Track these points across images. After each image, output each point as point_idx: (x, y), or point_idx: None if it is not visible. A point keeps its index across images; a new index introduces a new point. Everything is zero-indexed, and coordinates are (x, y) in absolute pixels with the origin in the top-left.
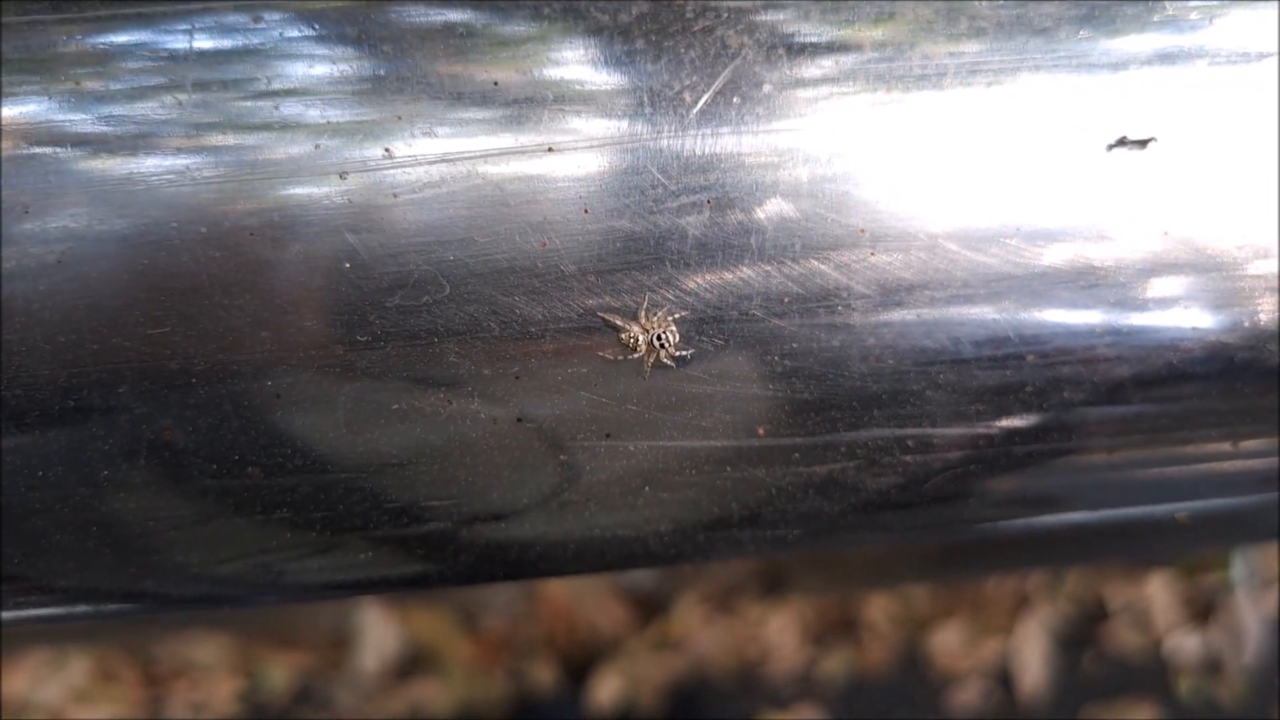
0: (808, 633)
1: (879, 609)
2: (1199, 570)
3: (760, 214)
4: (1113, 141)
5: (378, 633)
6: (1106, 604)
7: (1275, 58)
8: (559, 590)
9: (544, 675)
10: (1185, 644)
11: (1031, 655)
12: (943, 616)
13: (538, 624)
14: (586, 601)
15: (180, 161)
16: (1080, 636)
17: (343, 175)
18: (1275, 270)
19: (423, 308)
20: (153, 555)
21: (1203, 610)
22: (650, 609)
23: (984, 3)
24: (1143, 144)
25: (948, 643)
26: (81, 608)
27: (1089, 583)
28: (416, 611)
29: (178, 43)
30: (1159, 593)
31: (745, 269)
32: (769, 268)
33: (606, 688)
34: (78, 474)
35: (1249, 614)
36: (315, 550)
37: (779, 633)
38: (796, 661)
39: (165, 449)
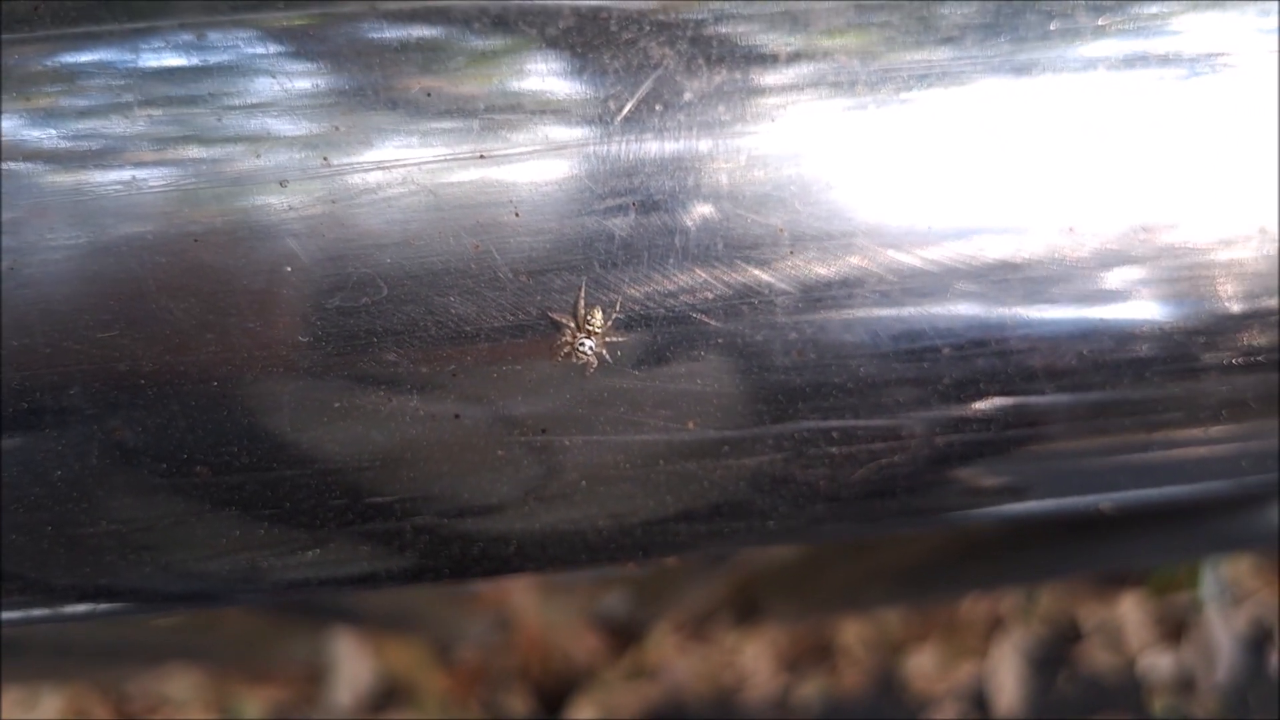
0: (782, 659)
1: (853, 634)
2: (1170, 589)
3: (683, 215)
4: None
5: (351, 665)
6: (1079, 624)
7: (1179, 60)
8: (533, 620)
9: (518, 706)
10: (1158, 663)
11: (1006, 677)
12: (917, 640)
13: (512, 655)
14: (560, 631)
15: (126, 173)
16: (1054, 657)
17: (283, 183)
18: (1182, 264)
19: (361, 309)
20: (105, 555)
21: (1175, 629)
22: (624, 638)
23: (893, 10)
24: None
25: (922, 666)
26: (38, 610)
27: (1062, 603)
28: (390, 644)
29: (124, 61)
30: (1131, 612)
31: (671, 268)
32: (693, 266)
33: (581, 717)
34: (31, 475)
35: (1220, 632)
36: (262, 549)
37: (754, 659)
38: (772, 688)
39: (116, 449)
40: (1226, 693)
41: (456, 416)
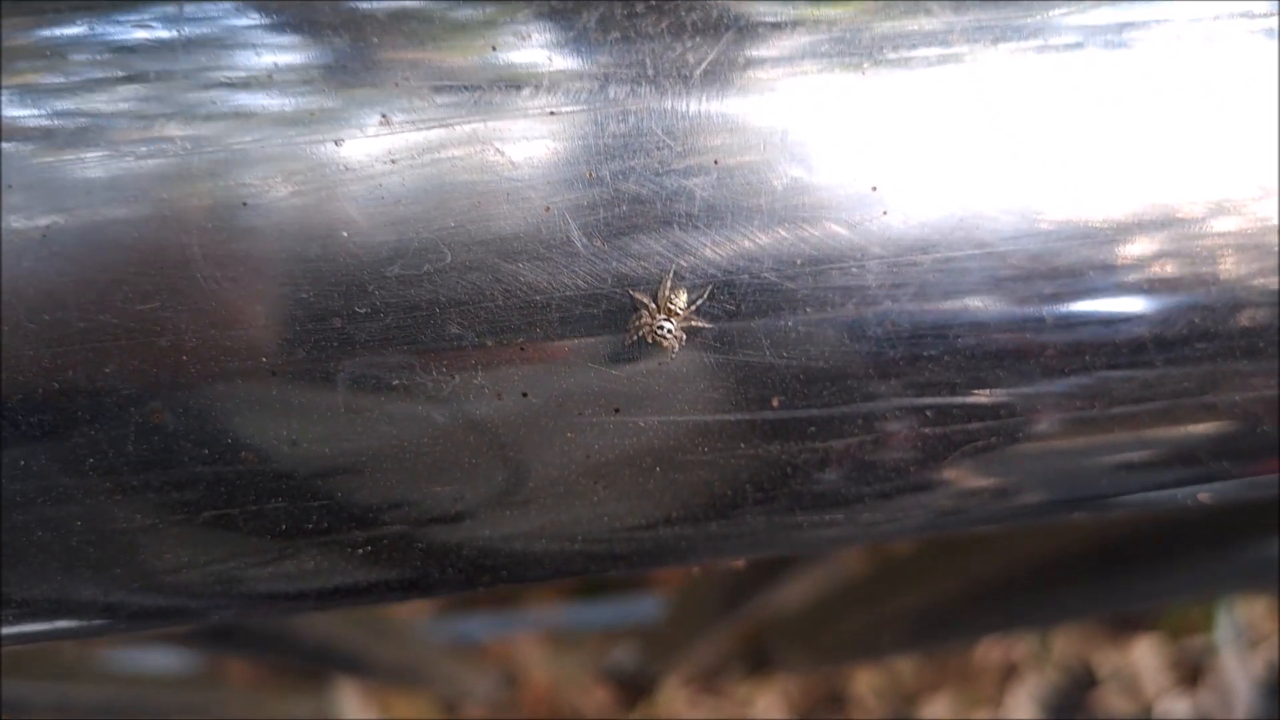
0: (795, 710)
1: (865, 684)
2: (1184, 632)
3: (769, 174)
4: None
5: None
6: (1095, 670)
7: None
8: (540, 674)
9: None
10: (1175, 708)
11: None
12: (930, 688)
13: (520, 710)
14: (569, 686)
15: (170, 133)
16: (1070, 704)
17: (338, 142)
18: None
19: (424, 276)
20: (139, 554)
21: (1190, 673)
22: (634, 692)
23: None
24: None
25: (936, 715)
26: (63, 622)
27: (1076, 649)
28: (396, 699)
29: (168, 16)
30: (1146, 657)
31: (755, 230)
32: (780, 229)
33: None
34: (61, 462)
35: (1237, 674)
36: (313, 544)
37: (766, 711)
38: None
39: (154, 433)
40: None
41: (524, 394)
